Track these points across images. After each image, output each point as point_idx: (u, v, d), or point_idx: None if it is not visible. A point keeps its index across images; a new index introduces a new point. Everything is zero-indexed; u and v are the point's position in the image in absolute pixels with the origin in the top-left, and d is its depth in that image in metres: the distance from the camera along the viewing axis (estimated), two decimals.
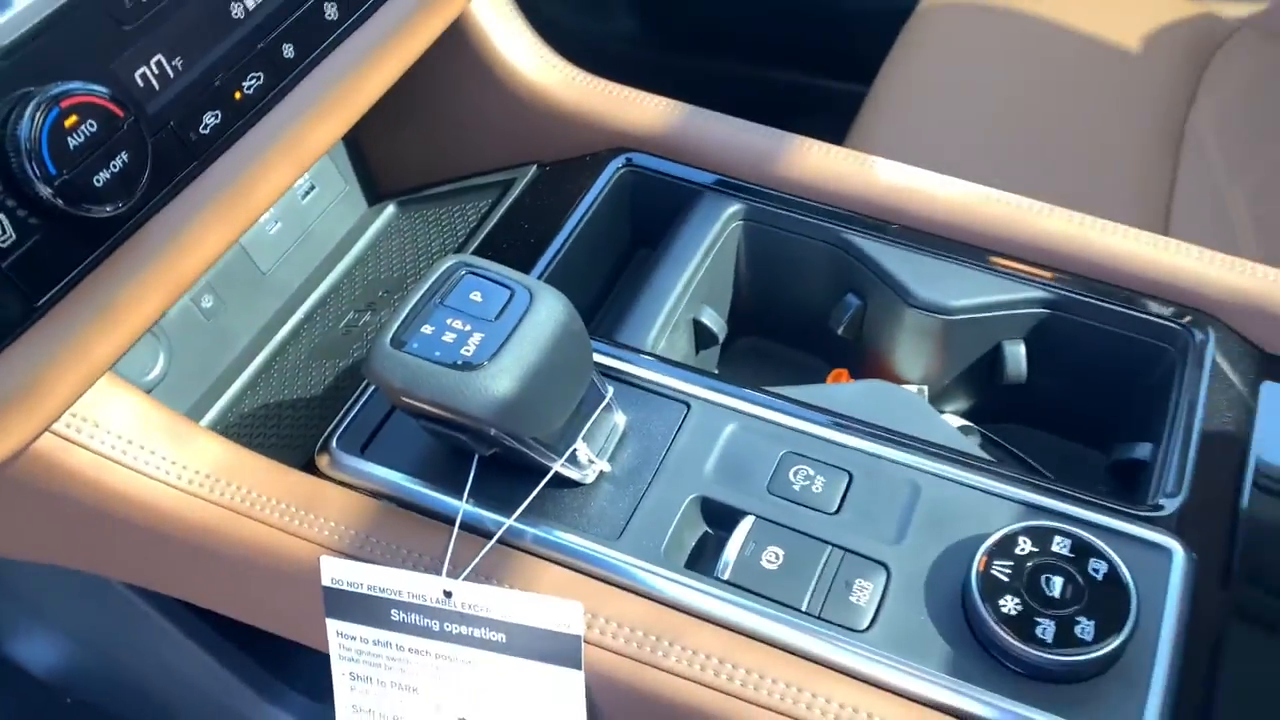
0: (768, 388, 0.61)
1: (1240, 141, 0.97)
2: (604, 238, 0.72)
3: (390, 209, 0.82)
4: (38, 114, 0.42)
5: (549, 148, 0.75)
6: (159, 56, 0.48)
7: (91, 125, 0.44)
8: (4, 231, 0.43)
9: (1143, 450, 0.60)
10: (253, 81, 0.53)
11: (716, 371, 0.73)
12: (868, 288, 0.67)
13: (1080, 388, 0.65)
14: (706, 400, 0.58)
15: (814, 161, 0.69)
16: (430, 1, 0.61)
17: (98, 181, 0.45)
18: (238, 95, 0.52)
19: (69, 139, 0.43)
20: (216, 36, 0.51)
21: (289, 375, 0.70)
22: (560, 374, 0.50)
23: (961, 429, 0.67)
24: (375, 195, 0.84)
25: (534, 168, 0.76)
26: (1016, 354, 0.65)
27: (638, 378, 0.59)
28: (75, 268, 0.47)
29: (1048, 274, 0.63)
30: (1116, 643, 0.46)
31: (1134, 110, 0.99)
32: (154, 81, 0.48)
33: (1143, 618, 0.48)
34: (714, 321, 0.70)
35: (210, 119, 0.51)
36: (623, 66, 1.74)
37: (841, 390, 0.63)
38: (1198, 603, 0.50)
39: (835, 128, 1.04)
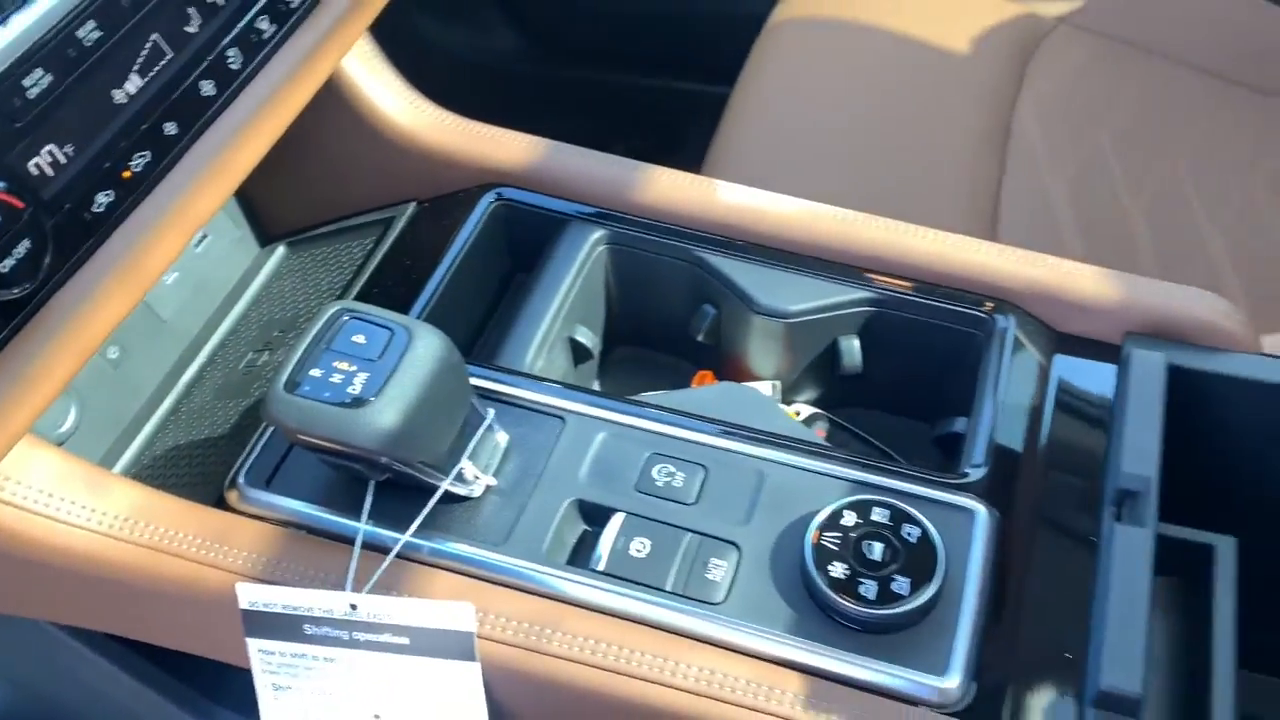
0: (635, 396, 0.68)
1: (1059, 134, 1.08)
2: (481, 267, 0.78)
3: (280, 250, 0.88)
4: None
5: (425, 186, 0.81)
6: (50, 147, 0.53)
7: None
8: None
9: (959, 424, 0.68)
10: (140, 160, 0.58)
11: (595, 384, 0.81)
12: (720, 298, 0.75)
13: (908, 372, 0.73)
14: (579, 413, 0.65)
15: (666, 188, 0.76)
16: (300, 72, 0.67)
17: (4, 268, 0.50)
18: (127, 174, 0.57)
19: None
20: (102, 122, 0.56)
21: (196, 417, 0.75)
22: (440, 403, 0.57)
23: (811, 416, 0.76)
24: (265, 238, 0.89)
25: (412, 205, 0.82)
26: (851, 347, 0.74)
27: (516, 398, 0.66)
28: None
29: (872, 276, 0.72)
30: (928, 595, 0.55)
31: (966, 111, 1.09)
32: (47, 170, 0.53)
33: (951, 572, 0.56)
34: (588, 338, 0.77)
35: (103, 198, 0.56)
36: (507, 81, 1.81)
37: (699, 393, 0.71)
38: (1000, 556, 0.59)
39: (707, 127, 1.12)
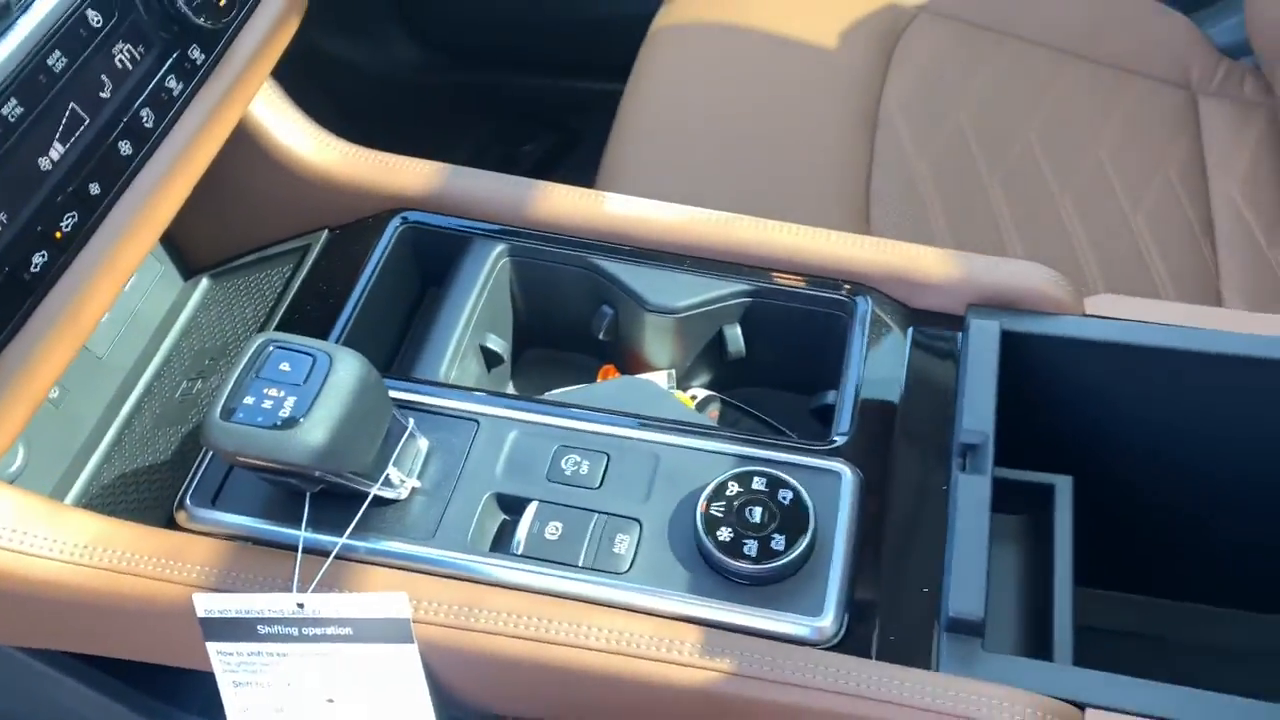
0: (544, 395, 0.76)
1: (922, 119, 1.17)
2: (394, 287, 0.85)
3: (204, 282, 0.93)
4: None
5: (337, 215, 0.88)
6: None
7: None
8: None
9: (830, 396, 0.77)
10: (69, 221, 0.64)
11: (510, 386, 0.88)
12: (615, 299, 0.83)
13: (786, 353, 0.82)
14: (492, 415, 0.73)
15: (559, 202, 0.84)
16: (210, 124, 0.73)
17: None
18: (58, 235, 0.63)
19: None
20: (32, 189, 0.62)
21: (139, 446, 0.81)
22: (363, 418, 0.64)
23: (705, 399, 0.84)
24: (189, 271, 0.95)
25: (325, 234, 0.88)
26: (735, 335, 0.82)
27: (433, 406, 0.73)
28: None
29: (748, 270, 0.80)
30: (800, 549, 0.63)
31: (836, 103, 1.17)
32: None
33: (822, 527, 0.65)
34: (498, 345, 0.84)
35: (39, 259, 0.62)
36: (414, 92, 1.86)
37: (602, 388, 0.79)
38: (865, 509, 0.68)
39: (607, 123, 1.19)
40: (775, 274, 0.80)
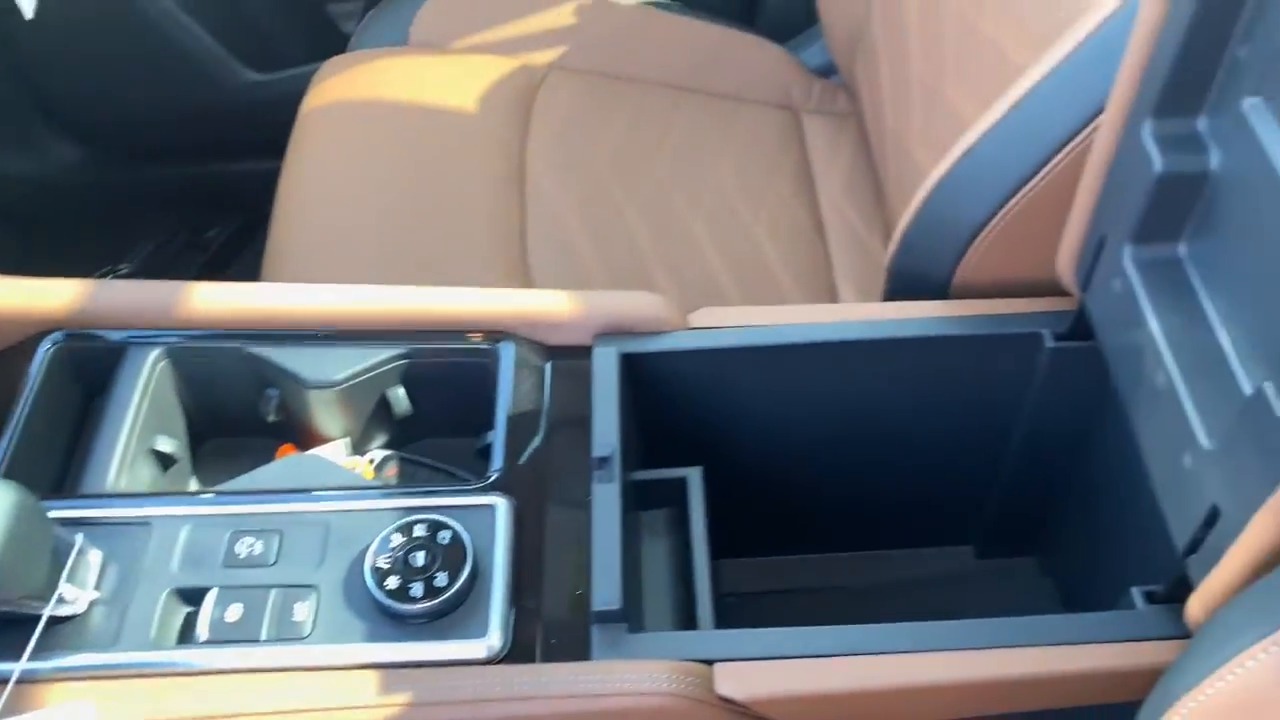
0: (215, 487, 0.80)
1: (563, 167, 1.29)
2: (55, 407, 0.86)
3: None
4: None
5: None
6: None
7: None
8: None
9: (489, 437, 0.86)
10: None
11: (192, 482, 0.91)
12: (278, 381, 0.88)
13: (449, 403, 0.90)
14: (164, 515, 0.76)
15: (213, 299, 0.87)
16: None
17: None
18: None
19: None
20: None
21: None
22: (21, 545, 0.66)
23: (384, 459, 0.91)
24: None
25: None
26: (398, 396, 0.89)
27: (103, 518, 0.76)
28: None
29: (400, 333, 0.88)
30: (461, 581, 0.71)
31: (486, 165, 1.27)
32: None
33: (481, 558, 0.73)
34: (169, 445, 0.87)
35: None
36: (83, 192, 1.81)
37: (271, 470, 0.84)
38: (520, 533, 0.76)
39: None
40: (428, 334, 0.88)
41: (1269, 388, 0.59)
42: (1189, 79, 0.67)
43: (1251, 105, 0.63)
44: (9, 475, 0.78)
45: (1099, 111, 0.78)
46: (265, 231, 1.30)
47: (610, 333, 0.88)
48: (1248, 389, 0.62)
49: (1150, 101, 0.69)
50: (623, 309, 0.88)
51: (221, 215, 1.87)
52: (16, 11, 1.26)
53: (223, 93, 1.64)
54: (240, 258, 1.92)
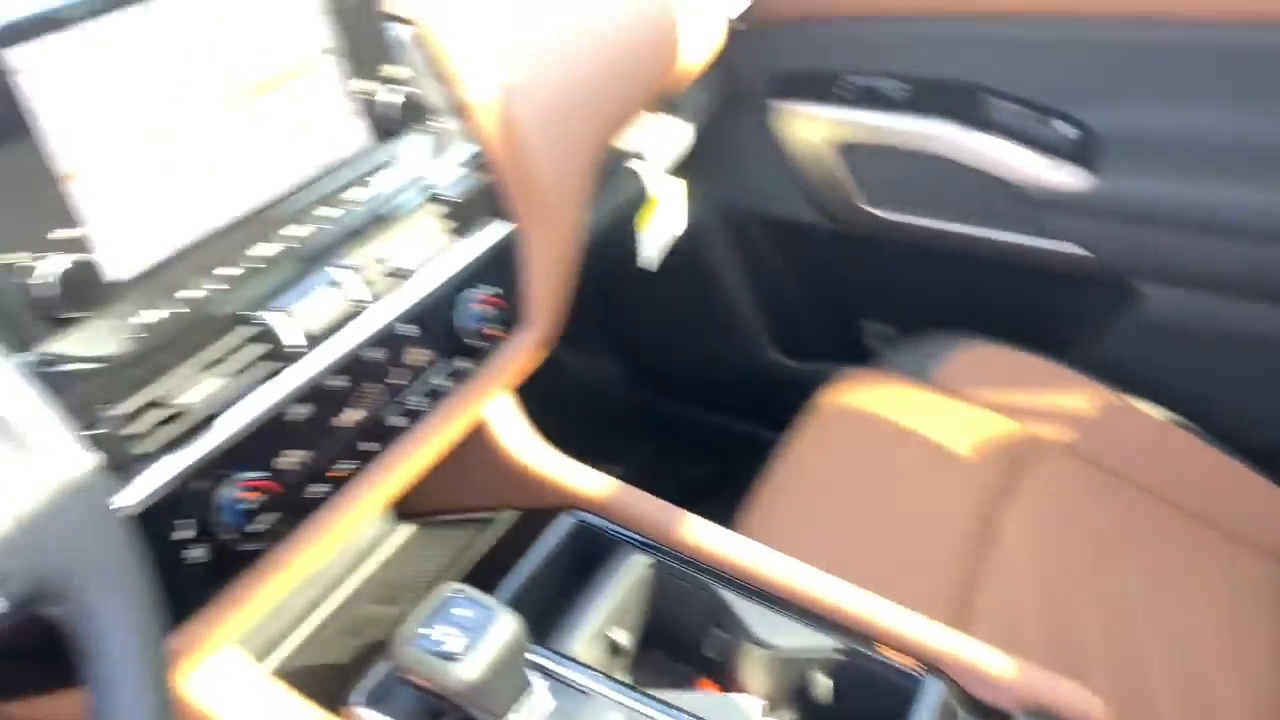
0: (649, 689, 0.92)
1: (1038, 542, 1.32)
2: (556, 568, 1.04)
3: (404, 527, 1.16)
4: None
5: (523, 499, 1.09)
6: (299, 452, 0.83)
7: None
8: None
9: None
10: (345, 466, 0.87)
11: (625, 677, 1.03)
12: (728, 625, 0.99)
13: (866, 713, 0.95)
14: (603, 693, 0.89)
15: (700, 533, 1.02)
16: (460, 413, 0.97)
17: (259, 527, 0.77)
18: (336, 474, 0.86)
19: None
20: (330, 438, 0.86)
21: (323, 646, 1.00)
22: (504, 667, 0.81)
23: None
24: (396, 516, 1.17)
25: (511, 512, 1.09)
26: (817, 680, 0.96)
27: (557, 673, 0.90)
28: None
29: (846, 629, 0.95)
30: None
31: (963, 509, 1.34)
32: (293, 467, 0.82)
33: None
34: (623, 638, 1.01)
35: (318, 488, 0.85)
36: (598, 400, 2.12)
37: (698, 698, 0.94)
38: None
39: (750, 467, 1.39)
40: (865, 638, 0.95)
41: None
42: None
43: None
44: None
45: None
46: (729, 488, 1.47)
47: (1037, 712, 0.89)
48: None
49: None
50: (1055, 693, 0.89)
51: (698, 460, 2.11)
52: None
53: (750, 361, 1.89)
54: (697, 501, 2.14)
